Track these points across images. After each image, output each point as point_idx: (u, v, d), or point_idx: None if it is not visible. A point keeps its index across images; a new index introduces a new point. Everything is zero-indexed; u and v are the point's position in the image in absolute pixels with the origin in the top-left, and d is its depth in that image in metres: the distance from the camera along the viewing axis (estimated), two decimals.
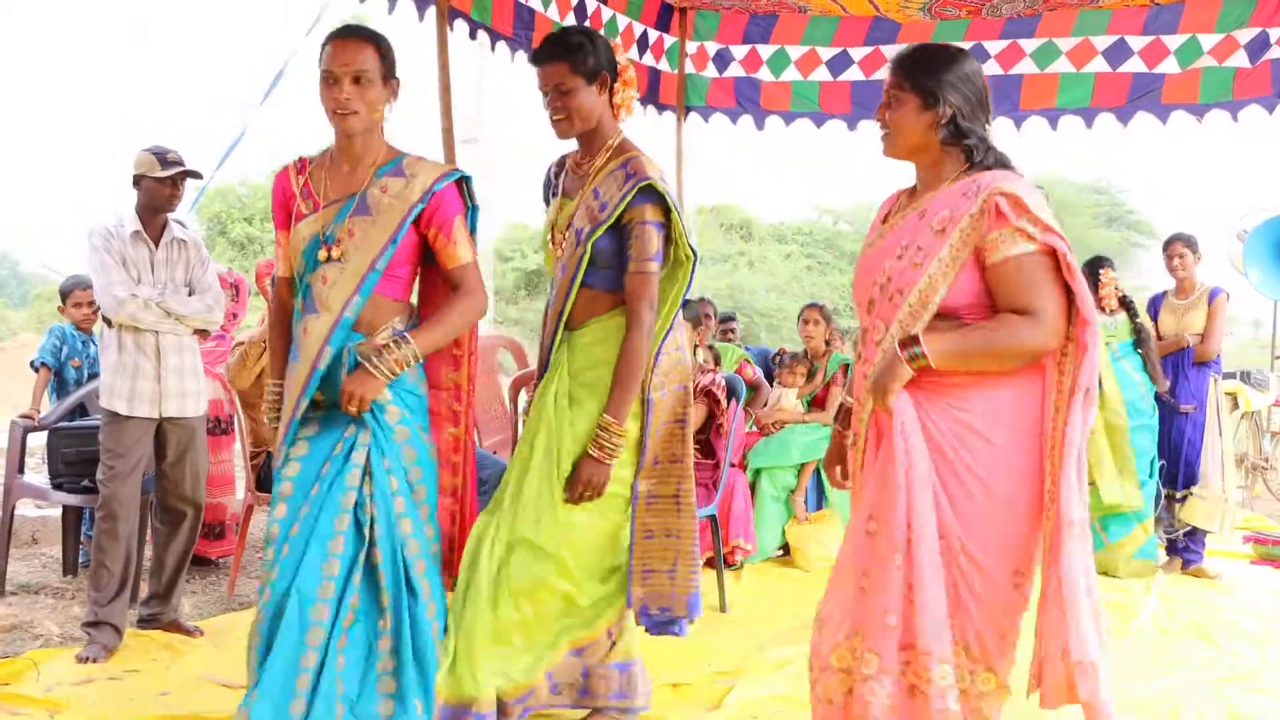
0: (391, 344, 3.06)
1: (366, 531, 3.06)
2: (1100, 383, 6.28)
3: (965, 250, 2.58)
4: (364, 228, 3.10)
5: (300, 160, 3.28)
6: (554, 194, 3.43)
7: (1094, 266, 6.46)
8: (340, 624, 3.01)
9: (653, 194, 3.14)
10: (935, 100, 2.66)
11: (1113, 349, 6.38)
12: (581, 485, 3.19)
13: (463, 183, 3.23)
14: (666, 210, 3.17)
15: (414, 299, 3.32)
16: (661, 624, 3.34)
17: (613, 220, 3.15)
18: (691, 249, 3.22)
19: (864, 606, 2.63)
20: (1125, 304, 6.51)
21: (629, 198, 3.12)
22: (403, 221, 3.10)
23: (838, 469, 3.04)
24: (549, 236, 3.38)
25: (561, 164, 3.47)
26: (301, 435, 3.14)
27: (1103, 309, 6.40)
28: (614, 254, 3.19)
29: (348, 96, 3.06)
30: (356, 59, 3.07)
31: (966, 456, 2.59)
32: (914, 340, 2.57)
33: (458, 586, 3.25)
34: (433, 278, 3.33)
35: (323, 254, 3.11)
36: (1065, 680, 2.52)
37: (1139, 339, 6.40)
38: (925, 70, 2.68)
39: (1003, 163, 2.68)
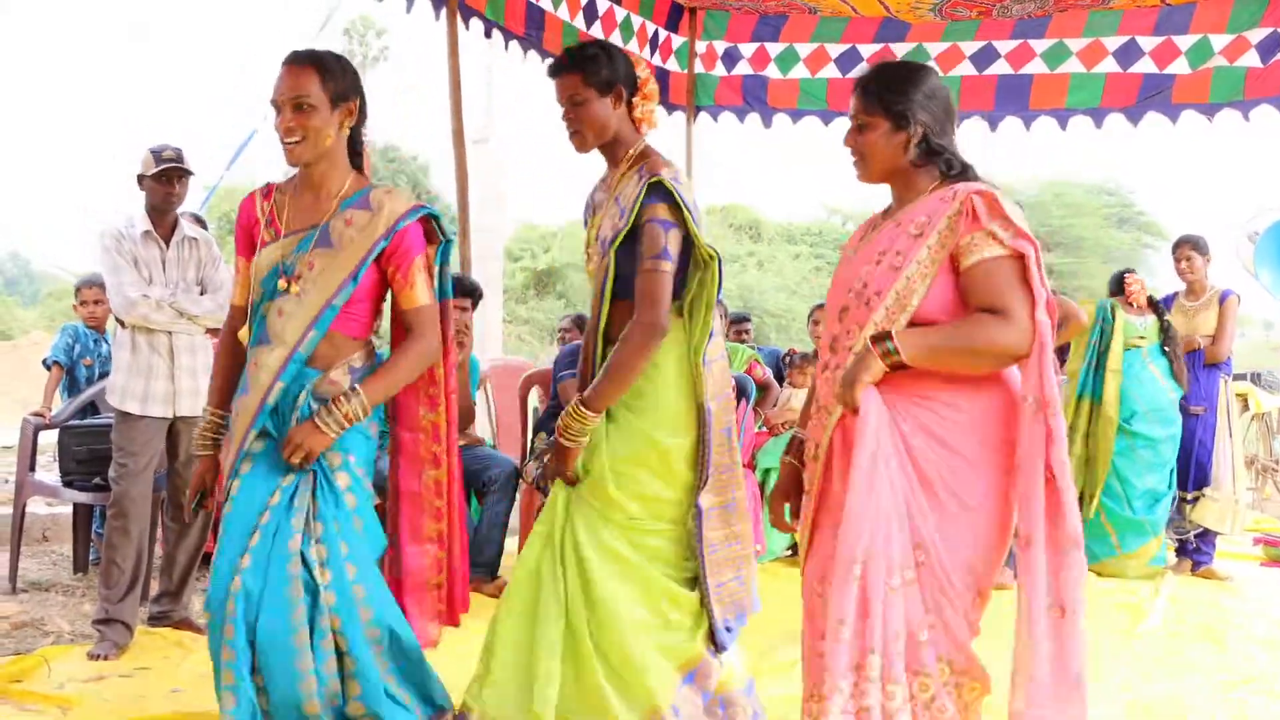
0: (341, 397, 2.96)
1: (317, 575, 2.97)
2: (1103, 389, 6.31)
3: (943, 253, 2.56)
4: (324, 261, 3.01)
5: (268, 186, 3.19)
6: (590, 213, 3.39)
7: (1119, 277, 6.61)
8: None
9: (661, 191, 3.06)
10: (906, 122, 2.64)
11: (1143, 352, 6.39)
12: (549, 471, 3.14)
13: (430, 219, 3.15)
14: (677, 209, 3.07)
15: (380, 331, 3.24)
16: (731, 631, 3.23)
17: (630, 225, 3.08)
18: (712, 250, 3.10)
19: (823, 619, 2.60)
20: (1154, 305, 6.53)
21: (641, 198, 3.06)
22: (364, 258, 3.00)
23: (786, 506, 2.99)
24: (586, 255, 3.34)
25: (604, 178, 3.40)
26: (242, 471, 3.03)
27: (1130, 305, 6.46)
28: (635, 260, 3.10)
29: (290, 125, 2.97)
30: (295, 85, 2.97)
31: (939, 465, 2.56)
32: (887, 335, 2.53)
33: (505, 612, 3.14)
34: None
35: (281, 284, 3.01)
36: (1056, 693, 2.51)
37: (1166, 338, 6.41)
38: (893, 92, 2.66)
39: (975, 177, 2.68)
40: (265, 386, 3.00)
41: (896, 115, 2.64)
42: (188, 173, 4.54)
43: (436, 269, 3.19)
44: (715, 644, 3.15)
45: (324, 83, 2.98)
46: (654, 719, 3.03)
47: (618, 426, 3.11)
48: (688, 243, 3.09)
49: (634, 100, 3.20)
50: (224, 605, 2.92)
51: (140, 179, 4.50)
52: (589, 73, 3.13)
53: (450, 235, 3.24)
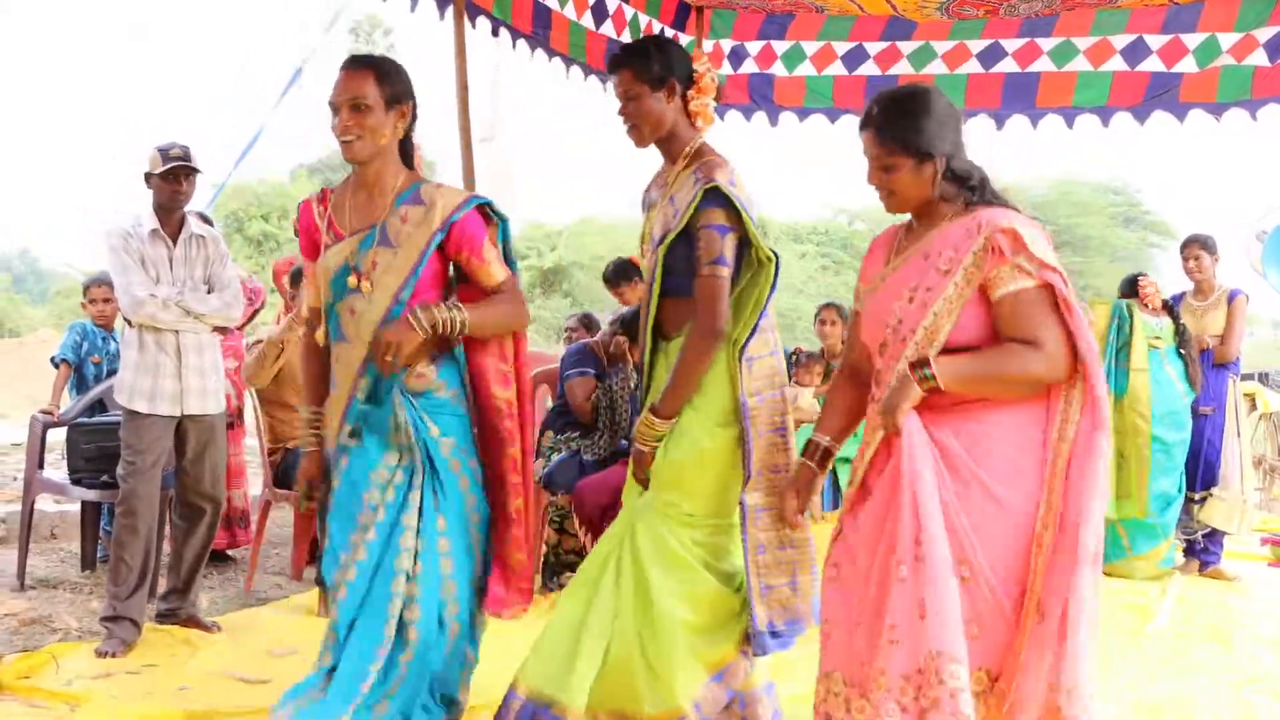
0: (440, 305, 3.10)
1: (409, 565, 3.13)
2: (1128, 384, 6.28)
3: (970, 288, 2.63)
4: (386, 259, 3.14)
5: (322, 192, 3.35)
6: (646, 207, 3.42)
7: (1132, 280, 6.62)
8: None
9: (719, 198, 3.09)
10: (929, 156, 2.68)
11: (1160, 354, 6.37)
12: (632, 471, 3.22)
13: (484, 206, 3.26)
14: (735, 214, 3.11)
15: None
16: (780, 637, 3.24)
17: (682, 226, 3.10)
18: (772, 251, 3.13)
19: (869, 629, 2.64)
20: (1168, 308, 6.53)
21: (695, 202, 3.08)
22: (423, 252, 3.13)
23: (793, 500, 3.05)
24: (641, 250, 3.39)
25: (660, 173, 3.44)
26: (341, 465, 3.21)
27: (1146, 306, 6.45)
28: (688, 260, 3.13)
29: (347, 124, 3.10)
30: (353, 88, 3.11)
31: (980, 473, 2.61)
32: (924, 362, 2.61)
33: (568, 594, 3.24)
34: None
35: (351, 281, 3.16)
36: (1049, 704, 2.53)
37: (1183, 341, 6.40)
38: (909, 130, 2.69)
39: (1000, 199, 2.73)
40: (351, 382, 3.18)
41: (919, 153, 2.69)
42: (195, 170, 4.54)
43: (500, 247, 3.31)
44: (753, 646, 3.18)
45: (380, 85, 3.13)
46: (674, 715, 3.08)
47: (676, 426, 3.17)
48: (743, 244, 3.14)
49: (689, 94, 3.23)
50: (336, 590, 3.16)
51: (147, 177, 4.51)
52: (639, 69, 3.18)
53: (504, 215, 3.34)
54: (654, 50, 3.23)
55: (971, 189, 2.72)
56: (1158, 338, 6.38)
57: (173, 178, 4.48)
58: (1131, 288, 6.62)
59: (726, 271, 3.09)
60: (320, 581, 4.92)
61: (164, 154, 4.48)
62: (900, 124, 2.70)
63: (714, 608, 3.18)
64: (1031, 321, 2.60)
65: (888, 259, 2.85)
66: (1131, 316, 6.35)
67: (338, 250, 3.20)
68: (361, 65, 3.14)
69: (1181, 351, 6.40)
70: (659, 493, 3.18)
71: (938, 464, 2.61)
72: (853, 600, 2.74)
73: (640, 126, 3.23)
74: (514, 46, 5.82)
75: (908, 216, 2.85)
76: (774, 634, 3.18)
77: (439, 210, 3.15)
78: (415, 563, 3.13)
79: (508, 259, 3.32)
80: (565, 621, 3.17)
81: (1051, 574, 2.57)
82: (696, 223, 3.09)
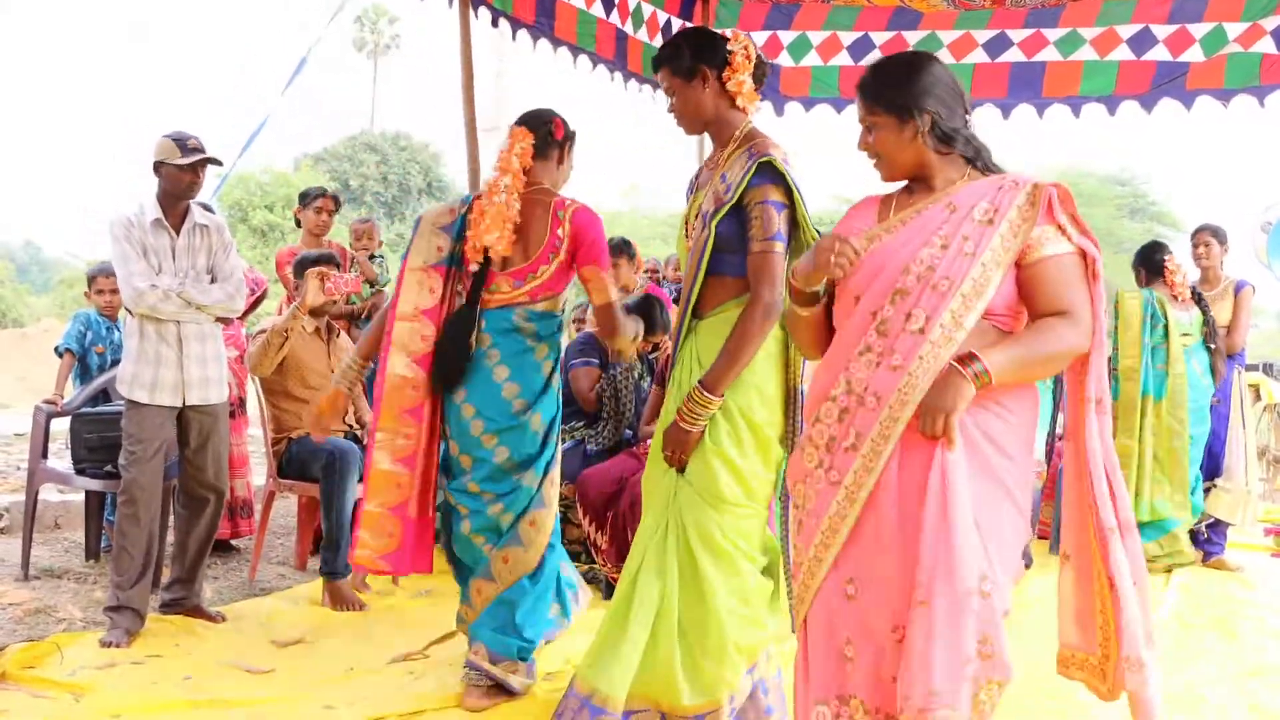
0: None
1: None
2: (1167, 388, 6.19)
3: (1016, 242, 2.50)
4: None
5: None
6: (692, 191, 3.43)
7: (1159, 252, 6.47)
8: None
9: (773, 173, 3.09)
10: (910, 113, 2.60)
11: (1189, 347, 6.32)
12: (667, 452, 3.16)
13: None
14: (789, 192, 3.12)
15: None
16: None
17: (735, 200, 3.10)
18: (819, 233, 3.05)
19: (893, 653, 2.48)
20: (1196, 297, 6.45)
21: (749, 177, 3.08)
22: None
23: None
24: (683, 231, 3.39)
25: (708, 160, 3.45)
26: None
27: (1175, 298, 6.38)
28: (738, 238, 3.12)
29: None
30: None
31: (1006, 480, 2.52)
32: (973, 357, 2.43)
33: (621, 584, 3.24)
34: None
35: None
36: (1118, 675, 2.56)
37: (1210, 333, 6.35)
38: (892, 87, 2.62)
39: (994, 164, 2.67)
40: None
41: (899, 109, 2.60)
42: (215, 161, 4.53)
43: None
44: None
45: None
46: (714, 707, 3.11)
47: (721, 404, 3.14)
48: (793, 225, 3.15)
49: (724, 75, 3.27)
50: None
51: (158, 166, 4.45)
52: (673, 65, 3.28)
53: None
54: (684, 43, 3.30)
55: (969, 159, 2.64)
56: (1186, 334, 6.30)
57: (191, 169, 4.44)
58: (1149, 261, 6.47)
59: (782, 247, 3.10)
60: (323, 571, 4.93)
61: (181, 144, 4.42)
62: (884, 82, 2.65)
63: (757, 598, 3.19)
64: (1068, 287, 2.51)
65: (883, 215, 2.70)
66: (1165, 314, 6.26)
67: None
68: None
69: (1210, 345, 6.34)
70: (702, 473, 3.12)
71: (970, 466, 2.45)
72: (875, 623, 2.52)
73: (683, 117, 3.32)
74: (514, 38, 5.80)
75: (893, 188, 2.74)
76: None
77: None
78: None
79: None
80: (614, 613, 3.19)
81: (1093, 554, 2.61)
82: (751, 198, 3.10)
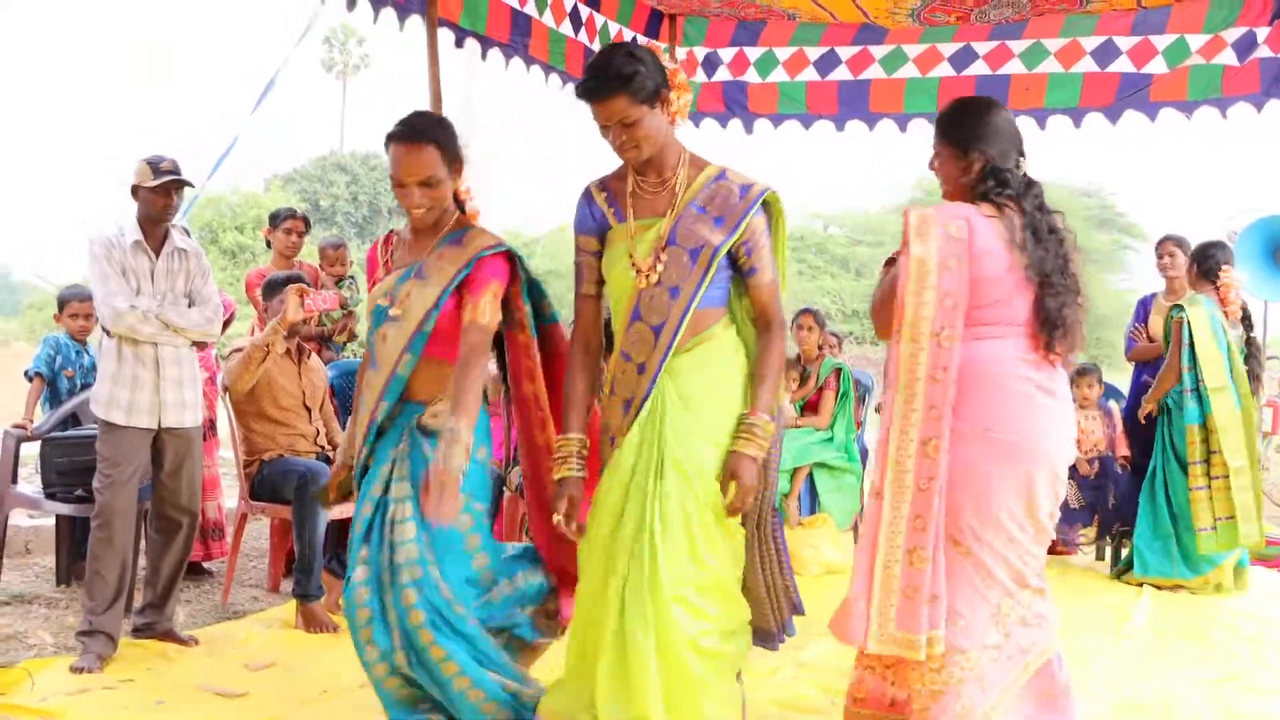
0: (448, 438, 3.10)
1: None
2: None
3: None
4: (417, 290, 3.29)
5: (389, 234, 3.57)
6: (599, 220, 3.25)
7: (1216, 255, 6.22)
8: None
9: (767, 207, 3.16)
10: (966, 150, 3.10)
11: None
12: (744, 492, 3.03)
13: (514, 259, 3.38)
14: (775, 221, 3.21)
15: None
16: (785, 632, 3.36)
17: (740, 236, 3.08)
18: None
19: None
20: (1246, 318, 6.23)
21: (754, 209, 3.08)
22: (447, 286, 3.26)
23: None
24: (628, 263, 3.14)
25: (603, 187, 3.28)
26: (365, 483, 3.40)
27: (1228, 315, 6.14)
28: (724, 269, 3.12)
29: (419, 201, 3.29)
30: (423, 167, 3.25)
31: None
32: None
33: (578, 621, 3.19)
34: (513, 347, 3.51)
35: (383, 302, 3.36)
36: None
37: (1250, 354, 6.11)
38: (957, 126, 3.15)
39: (1010, 193, 3.08)
40: (372, 406, 3.35)
41: (957, 144, 3.12)
42: (186, 184, 4.52)
43: (527, 306, 3.46)
44: (769, 643, 3.29)
45: (443, 156, 3.29)
46: None
47: (695, 417, 3.10)
48: None
49: (669, 96, 3.10)
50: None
51: (135, 190, 4.46)
52: (634, 90, 3.01)
53: (534, 279, 3.49)
54: (640, 66, 3.02)
55: (1000, 184, 3.13)
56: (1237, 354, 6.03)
57: (164, 191, 4.44)
58: (1205, 260, 6.20)
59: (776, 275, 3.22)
60: (296, 593, 4.91)
61: (154, 167, 4.43)
62: (951, 120, 3.19)
63: (736, 614, 3.14)
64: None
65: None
66: (1226, 332, 5.99)
67: (382, 284, 3.40)
68: (421, 140, 3.26)
69: (1248, 365, 6.06)
70: (696, 486, 3.04)
71: None
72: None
73: (642, 146, 3.07)
74: (484, 57, 5.79)
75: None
76: (781, 629, 3.31)
77: (470, 250, 3.30)
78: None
79: (540, 313, 3.50)
80: (576, 642, 3.18)
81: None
82: (755, 227, 3.11)
